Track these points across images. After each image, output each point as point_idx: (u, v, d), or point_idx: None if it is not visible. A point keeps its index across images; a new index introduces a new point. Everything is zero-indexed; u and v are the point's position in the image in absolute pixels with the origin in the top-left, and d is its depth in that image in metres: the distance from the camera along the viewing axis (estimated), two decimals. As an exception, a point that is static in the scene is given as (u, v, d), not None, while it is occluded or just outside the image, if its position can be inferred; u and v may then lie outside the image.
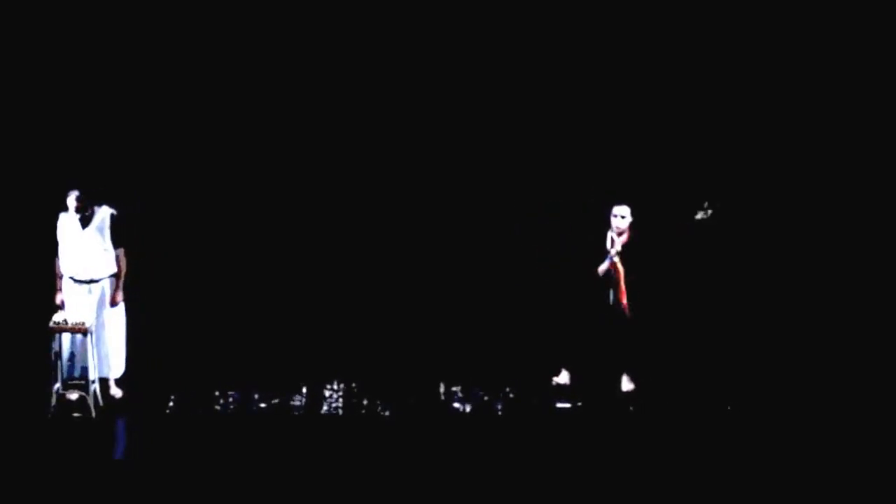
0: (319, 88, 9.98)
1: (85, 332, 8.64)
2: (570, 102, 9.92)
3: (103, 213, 8.81)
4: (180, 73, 9.91)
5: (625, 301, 8.92)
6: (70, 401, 8.51)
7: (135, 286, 9.07)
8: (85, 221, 8.77)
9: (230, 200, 10.08)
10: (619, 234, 8.98)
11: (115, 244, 8.85)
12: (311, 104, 10.03)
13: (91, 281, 8.84)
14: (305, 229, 10.11)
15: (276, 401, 9.06)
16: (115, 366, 8.99)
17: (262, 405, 9.00)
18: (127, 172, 9.71)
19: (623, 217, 8.92)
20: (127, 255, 8.91)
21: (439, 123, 9.98)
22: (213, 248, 10.09)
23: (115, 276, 8.88)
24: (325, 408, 9.00)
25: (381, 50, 9.91)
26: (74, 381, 8.63)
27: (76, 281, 8.84)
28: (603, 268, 9.01)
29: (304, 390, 9.26)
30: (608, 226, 8.98)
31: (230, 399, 9.02)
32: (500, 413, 8.96)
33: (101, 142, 9.79)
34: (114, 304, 8.85)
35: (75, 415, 8.51)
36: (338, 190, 10.09)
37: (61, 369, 8.55)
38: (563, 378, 9.35)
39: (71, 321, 8.63)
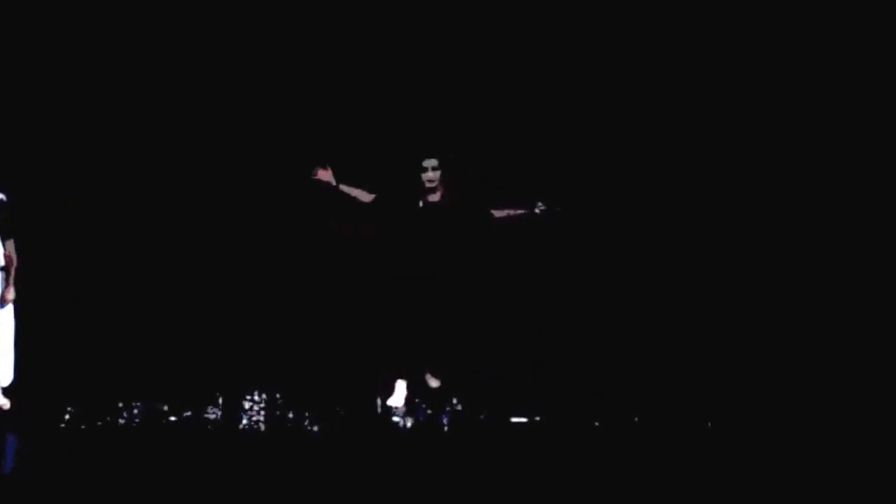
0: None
1: (-29, 335, 8.41)
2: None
3: None
4: (78, 62, 9.70)
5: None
6: (-47, 412, 8.45)
7: (27, 284, 8.60)
8: None
9: (133, 194, 9.86)
10: (431, 191, 8.22)
11: (3, 235, 8.31)
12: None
13: None
14: (224, 224, 9.86)
15: (189, 413, 8.88)
16: (2, 373, 8.41)
17: (173, 418, 8.79)
18: (23, 158, 9.38)
19: (434, 169, 8.18)
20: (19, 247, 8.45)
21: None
22: (116, 244, 9.80)
23: (4, 269, 8.33)
24: (244, 421, 8.86)
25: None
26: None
27: None
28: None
29: (220, 401, 9.08)
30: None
31: (136, 411, 8.86)
32: (445, 429, 8.78)
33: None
34: (3, 303, 8.29)
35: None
36: (249, 189, 9.89)
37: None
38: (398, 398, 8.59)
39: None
